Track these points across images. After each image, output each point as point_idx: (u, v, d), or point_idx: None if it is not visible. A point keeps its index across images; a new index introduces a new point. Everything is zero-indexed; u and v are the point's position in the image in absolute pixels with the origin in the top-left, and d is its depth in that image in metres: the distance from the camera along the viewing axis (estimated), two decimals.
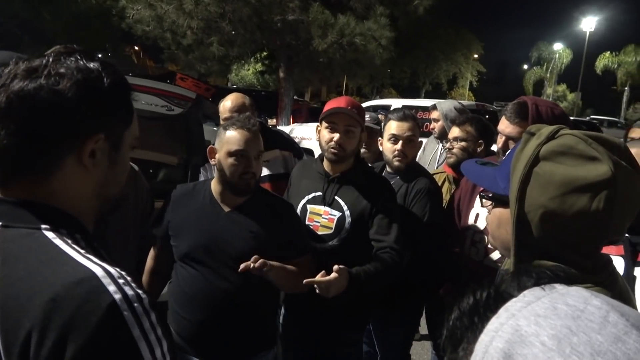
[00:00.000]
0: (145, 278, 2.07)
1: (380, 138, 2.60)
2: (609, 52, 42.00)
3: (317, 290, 1.72)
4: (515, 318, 0.44)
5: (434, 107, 3.83)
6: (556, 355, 0.38)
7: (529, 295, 0.46)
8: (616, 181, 0.82)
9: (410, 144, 2.38)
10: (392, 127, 2.40)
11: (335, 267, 1.76)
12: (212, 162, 1.92)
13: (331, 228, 2.07)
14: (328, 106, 2.10)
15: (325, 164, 2.14)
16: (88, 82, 0.76)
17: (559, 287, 0.47)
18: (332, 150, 2.04)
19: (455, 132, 2.77)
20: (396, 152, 2.36)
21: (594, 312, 0.41)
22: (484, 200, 1.03)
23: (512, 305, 0.46)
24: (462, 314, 0.50)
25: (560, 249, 0.88)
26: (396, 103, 9.40)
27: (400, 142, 2.36)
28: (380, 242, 2.03)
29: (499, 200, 0.98)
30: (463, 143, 2.73)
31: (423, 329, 3.49)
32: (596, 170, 0.83)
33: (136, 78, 3.93)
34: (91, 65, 0.77)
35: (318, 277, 1.71)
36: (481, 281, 0.53)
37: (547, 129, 0.90)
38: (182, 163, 3.79)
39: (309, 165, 2.27)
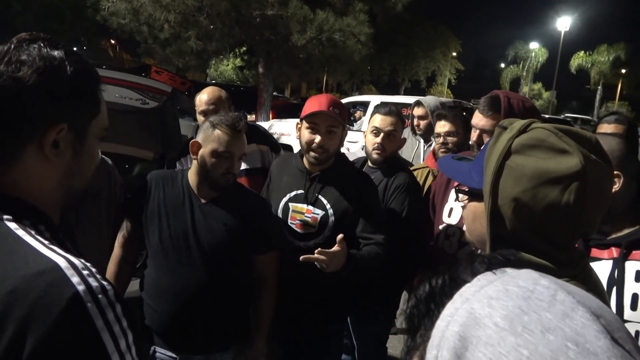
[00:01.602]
0: (112, 267, 2.01)
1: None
2: (583, 51, 43.00)
3: (316, 264, 1.79)
4: (469, 302, 0.45)
5: (418, 104, 3.83)
6: (509, 335, 0.39)
7: (482, 279, 0.48)
8: (586, 174, 0.83)
9: (390, 138, 2.39)
10: (376, 120, 2.42)
11: (339, 237, 1.82)
12: (193, 156, 1.90)
13: (314, 227, 2.06)
14: (309, 105, 2.07)
15: (306, 161, 2.12)
16: (50, 70, 0.73)
17: (510, 271, 0.48)
18: (314, 154, 2.03)
19: (446, 127, 2.79)
20: (376, 144, 2.38)
21: (542, 291, 0.43)
22: (459, 194, 1.04)
23: (466, 290, 0.47)
24: (419, 302, 0.52)
25: (535, 241, 0.88)
26: (375, 99, 9.43)
27: (382, 135, 2.38)
28: (368, 239, 2.06)
29: (474, 195, 0.98)
30: (455, 138, 2.77)
31: (400, 322, 3.52)
32: (567, 163, 0.84)
33: (109, 71, 3.86)
34: (55, 53, 0.75)
35: (316, 252, 1.78)
36: (436, 268, 0.54)
37: (518, 123, 0.91)
38: (158, 157, 3.75)
39: (289, 161, 2.25)
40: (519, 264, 0.51)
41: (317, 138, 2.00)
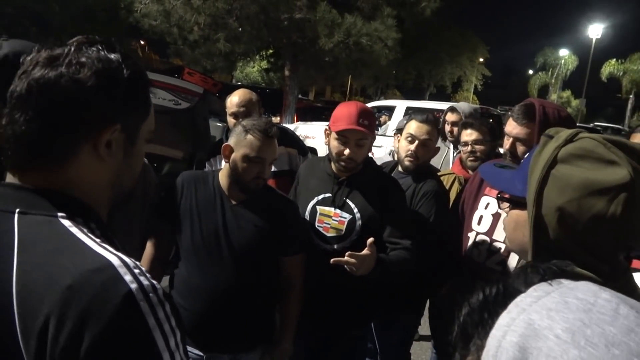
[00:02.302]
0: (144, 265, 2.03)
1: (398, 135, 2.62)
2: (614, 59, 41.91)
3: (347, 267, 1.81)
4: (526, 312, 0.44)
5: (452, 110, 3.80)
6: (571, 347, 0.39)
7: (538, 290, 0.47)
8: (635, 185, 0.82)
9: (424, 148, 2.38)
10: (412, 127, 2.40)
11: (369, 240, 1.83)
12: (225, 160, 1.93)
13: (342, 230, 2.07)
14: (339, 115, 2.05)
15: (334, 165, 2.13)
16: (108, 73, 0.75)
17: (566, 282, 0.48)
18: (343, 163, 2.04)
19: (474, 135, 2.79)
20: (409, 152, 2.37)
21: (604, 305, 0.43)
22: (502, 202, 1.03)
23: (522, 300, 0.47)
24: (472, 310, 0.51)
25: (577, 252, 0.87)
26: (401, 104, 9.39)
27: (416, 143, 2.37)
28: (395, 244, 2.05)
29: (516, 203, 0.98)
30: (482, 146, 2.78)
31: (422, 329, 3.49)
32: (615, 174, 0.83)
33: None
34: (112, 56, 0.77)
35: (346, 255, 1.79)
36: (490, 278, 0.54)
37: (565, 132, 0.90)
38: (187, 157, 3.80)
39: (317, 164, 2.26)
40: (573, 276, 0.51)
41: (347, 150, 2.01)
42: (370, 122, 2.03)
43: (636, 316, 0.41)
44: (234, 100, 2.73)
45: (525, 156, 0.99)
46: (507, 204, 1.00)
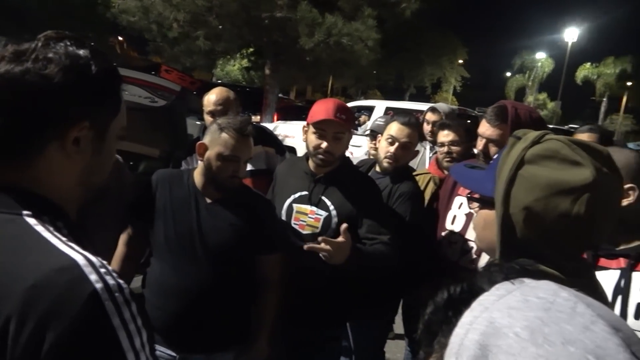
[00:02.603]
0: (115, 264, 2.00)
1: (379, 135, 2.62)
2: (589, 63, 42.90)
3: (321, 255, 1.80)
4: (489, 311, 0.45)
5: (433, 110, 3.84)
6: (530, 345, 0.40)
7: (501, 289, 0.48)
8: (598, 186, 0.85)
9: (404, 150, 2.39)
10: (393, 128, 2.41)
11: (343, 226, 1.82)
12: (199, 158, 1.91)
13: (317, 227, 2.06)
14: (316, 110, 2.06)
15: (311, 163, 2.13)
16: (76, 69, 0.74)
17: (528, 281, 0.49)
18: (320, 157, 2.04)
19: (450, 136, 2.83)
20: (389, 153, 2.38)
21: (563, 303, 0.44)
22: (471, 202, 1.05)
23: (485, 299, 0.48)
24: (437, 308, 0.52)
25: (544, 250, 0.89)
26: (380, 104, 9.44)
27: (396, 145, 2.38)
28: (372, 240, 2.05)
29: (486, 202, 1.00)
30: (459, 147, 2.81)
31: (397, 327, 3.52)
32: (579, 175, 0.85)
33: (120, 68, 3.87)
34: (80, 52, 0.76)
35: (320, 240, 1.79)
36: (455, 277, 0.54)
37: (532, 134, 0.92)
38: (164, 155, 3.76)
39: (295, 163, 2.26)
40: (536, 275, 0.52)
41: (324, 144, 2.01)
42: (347, 117, 2.04)
43: (592, 314, 0.42)
44: (211, 98, 2.71)
45: (494, 157, 1.01)
46: (477, 204, 1.02)
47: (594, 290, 0.97)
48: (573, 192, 0.85)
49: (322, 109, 2.04)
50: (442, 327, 0.51)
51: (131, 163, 3.99)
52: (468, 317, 0.47)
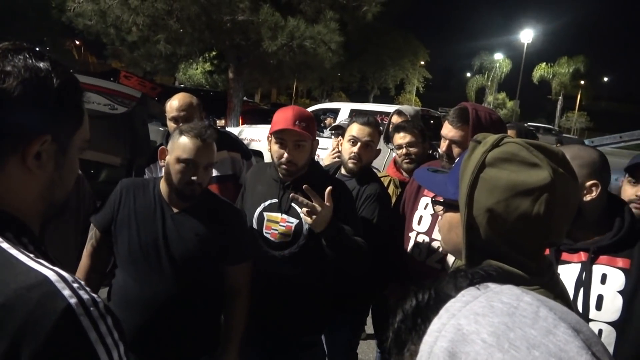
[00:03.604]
0: (79, 276, 1.94)
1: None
2: (544, 63, 44.47)
3: (302, 214, 1.85)
4: (456, 318, 0.46)
5: (399, 113, 3.90)
6: (496, 351, 0.41)
7: (467, 295, 0.49)
8: (555, 186, 0.87)
9: (367, 149, 2.42)
10: (354, 129, 2.44)
11: (328, 189, 1.85)
12: (161, 163, 1.87)
13: (289, 235, 2.05)
14: (276, 119, 2.04)
15: (278, 170, 2.11)
16: (36, 82, 0.73)
17: (492, 286, 0.50)
18: (284, 167, 2.02)
19: (407, 138, 2.88)
20: (352, 154, 2.40)
21: (526, 308, 0.45)
22: (436, 205, 1.06)
23: (451, 306, 0.49)
24: (406, 316, 0.53)
25: (507, 250, 0.91)
26: (345, 107, 9.50)
27: (359, 145, 2.40)
28: None
29: (450, 205, 1.01)
30: (416, 148, 2.88)
31: (369, 328, 3.55)
32: (537, 176, 0.88)
33: (78, 75, 3.77)
34: (40, 64, 0.74)
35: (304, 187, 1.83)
36: (422, 282, 0.55)
37: (492, 137, 0.94)
38: (126, 163, 3.68)
39: (263, 170, 2.23)
40: (500, 279, 0.53)
41: (285, 154, 1.99)
42: (307, 125, 2.01)
43: (554, 318, 0.44)
44: (173, 104, 2.66)
45: (456, 161, 1.03)
46: (441, 207, 1.04)
47: (556, 286, 1.00)
48: (532, 192, 0.87)
49: (281, 118, 2.02)
50: (412, 334, 0.51)
51: (92, 172, 3.89)
52: (436, 325, 0.47)
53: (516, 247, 0.92)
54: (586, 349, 0.41)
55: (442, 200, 1.04)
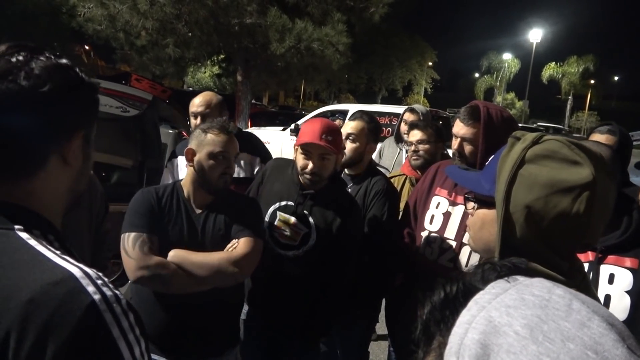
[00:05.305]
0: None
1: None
2: (554, 62, 44.24)
3: None
4: (486, 310, 0.46)
5: (412, 110, 3.93)
6: (530, 343, 0.41)
7: (496, 287, 0.49)
8: (596, 185, 0.85)
9: (354, 142, 2.46)
10: (347, 126, 2.51)
11: None
12: (188, 164, 1.92)
13: (296, 240, 2.12)
14: (304, 131, 2.10)
15: (301, 177, 2.16)
16: (67, 81, 0.76)
17: (522, 279, 0.50)
18: (307, 176, 2.09)
19: (418, 135, 2.92)
20: (345, 149, 2.46)
21: (558, 300, 0.45)
22: (467, 202, 1.04)
23: (480, 298, 0.48)
24: (434, 308, 0.53)
25: (542, 249, 0.90)
26: (353, 108, 9.49)
27: (349, 139, 2.47)
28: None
29: (483, 202, 1.00)
30: (427, 145, 2.90)
31: (379, 329, 3.51)
32: (579, 174, 0.86)
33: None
34: (62, 62, 0.78)
35: None
36: (450, 275, 0.55)
37: (531, 135, 0.93)
38: (137, 165, 3.69)
39: (284, 168, 2.27)
40: (528, 272, 0.52)
41: (310, 165, 2.06)
42: (334, 139, 2.08)
43: (587, 311, 0.43)
44: (196, 101, 2.78)
45: (491, 158, 1.01)
46: (473, 204, 1.02)
47: (588, 289, 0.97)
48: (573, 190, 0.85)
49: (309, 130, 2.09)
50: (440, 326, 0.51)
51: (103, 174, 3.90)
52: (466, 316, 0.47)
53: (552, 246, 0.90)
54: (621, 342, 0.40)
55: (474, 196, 1.02)
